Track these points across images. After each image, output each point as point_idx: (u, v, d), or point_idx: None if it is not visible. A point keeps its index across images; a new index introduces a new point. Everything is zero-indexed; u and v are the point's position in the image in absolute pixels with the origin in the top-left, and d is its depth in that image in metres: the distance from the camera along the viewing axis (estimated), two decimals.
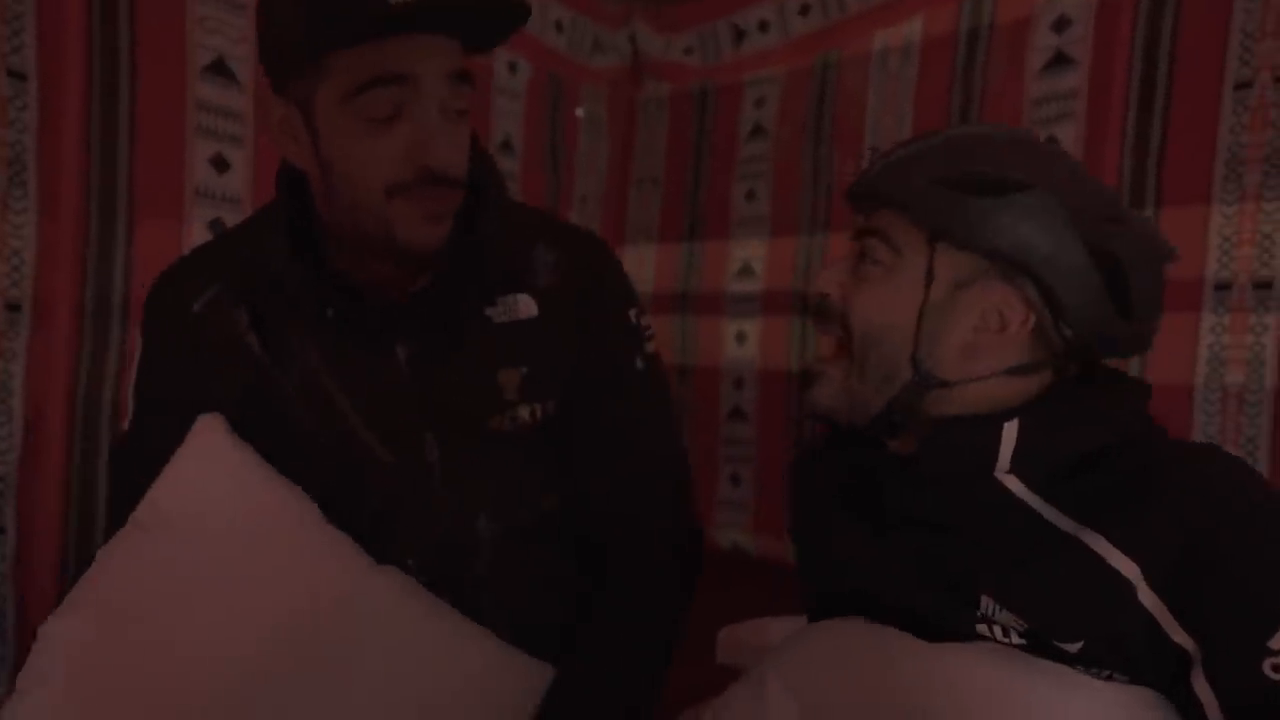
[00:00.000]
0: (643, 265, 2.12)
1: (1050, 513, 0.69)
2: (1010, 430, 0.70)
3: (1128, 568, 0.64)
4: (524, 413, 0.84)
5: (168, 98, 1.27)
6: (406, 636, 0.78)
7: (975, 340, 0.72)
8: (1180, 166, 1.26)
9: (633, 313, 0.90)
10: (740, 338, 1.92)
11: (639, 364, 0.89)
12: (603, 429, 0.87)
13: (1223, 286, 1.23)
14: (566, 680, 0.81)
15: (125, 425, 0.90)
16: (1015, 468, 0.70)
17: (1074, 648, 0.65)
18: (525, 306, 0.84)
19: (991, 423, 0.71)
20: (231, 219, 1.36)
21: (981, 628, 0.68)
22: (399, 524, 0.83)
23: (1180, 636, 0.63)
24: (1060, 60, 1.41)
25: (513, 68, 1.84)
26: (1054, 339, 0.72)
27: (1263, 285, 1.20)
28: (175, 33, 1.27)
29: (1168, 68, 1.28)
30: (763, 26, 1.87)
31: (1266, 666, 0.59)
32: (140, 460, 0.85)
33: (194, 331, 0.83)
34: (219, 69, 1.32)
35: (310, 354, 0.82)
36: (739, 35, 1.92)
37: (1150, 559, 0.64)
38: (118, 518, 0.86)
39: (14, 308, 1.16)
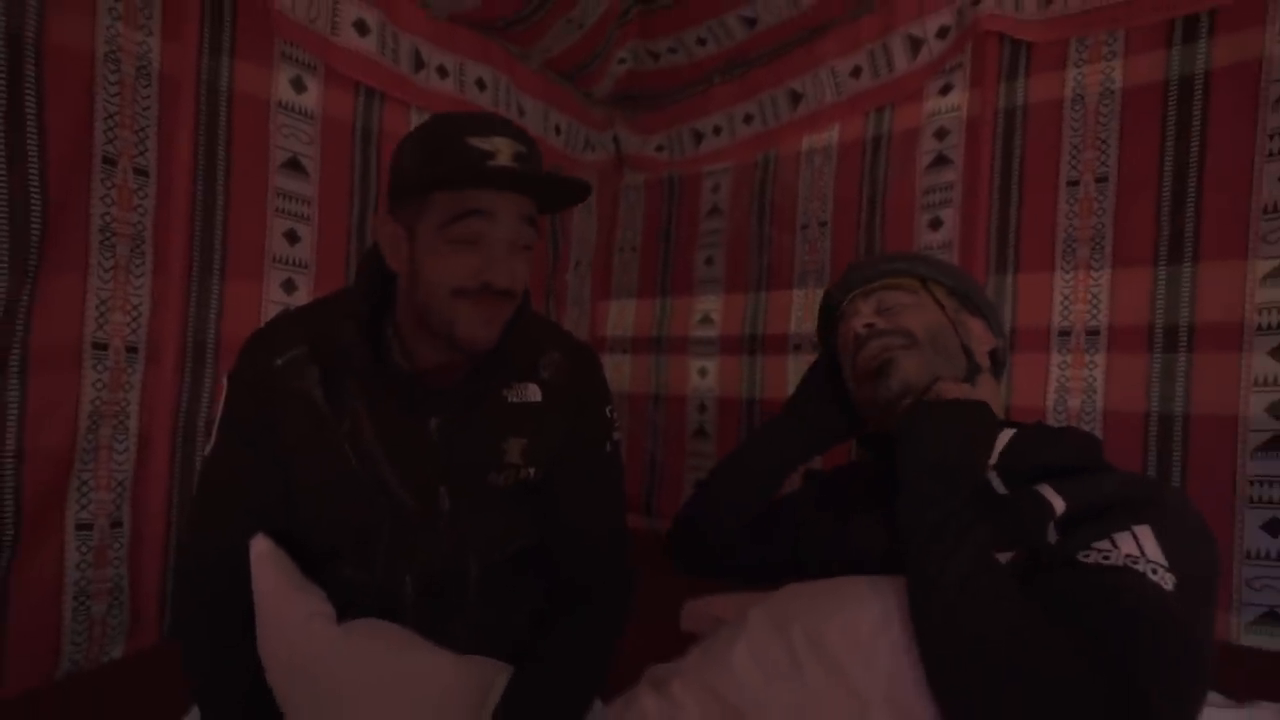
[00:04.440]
0: (625, 315, 2.29)
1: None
2: (1005, 437, 0.82)
3: (1057, 502, 0.72)
4: (523, 474, 0.94)
5: (253, 186, 1.42)
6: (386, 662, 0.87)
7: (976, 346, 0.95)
8: (1031, 242, 1.44)
9: (608, 409, 1.00)
10: (702, 372, 2.07)
11: (607, 447, 1.00)
12: (575, 492, 0.98)
13: (1064, 333, 1.39)
14: (528, 677, 0.89)
15: (209, 450, 0.96)
16: (998, 464, 0.80)
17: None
18: (533, 392, 0.95)
19: (995, 426, 0.82)
20: (300, 280, 1.50)
21: None
22: (410, 552, 0.92)
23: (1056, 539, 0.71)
24: (941, 160, 1.60)
25: None
26: (996, 348, 0.99)
27: (1093, 332, 1.36)
28: (260, 137, 1.43)
29: (1019, 168, 1.46)
30: (716, 130, 2.09)
31: (1081, 554, 0.67)
32: (226, 470, 0.94)
33: (273, 381, 0.90)
34: (293, 165, 1.49)
35: (360, 414, 0.90)
36: (698, 137, 2.14)
37: (1073, 503, 0.72)
38: (202, 517, 0.95)
39: (132, 349, 1.28)
